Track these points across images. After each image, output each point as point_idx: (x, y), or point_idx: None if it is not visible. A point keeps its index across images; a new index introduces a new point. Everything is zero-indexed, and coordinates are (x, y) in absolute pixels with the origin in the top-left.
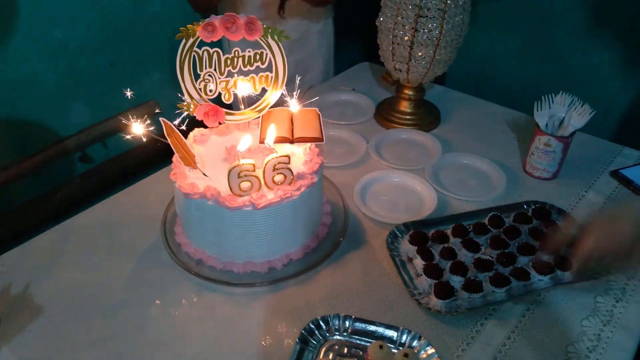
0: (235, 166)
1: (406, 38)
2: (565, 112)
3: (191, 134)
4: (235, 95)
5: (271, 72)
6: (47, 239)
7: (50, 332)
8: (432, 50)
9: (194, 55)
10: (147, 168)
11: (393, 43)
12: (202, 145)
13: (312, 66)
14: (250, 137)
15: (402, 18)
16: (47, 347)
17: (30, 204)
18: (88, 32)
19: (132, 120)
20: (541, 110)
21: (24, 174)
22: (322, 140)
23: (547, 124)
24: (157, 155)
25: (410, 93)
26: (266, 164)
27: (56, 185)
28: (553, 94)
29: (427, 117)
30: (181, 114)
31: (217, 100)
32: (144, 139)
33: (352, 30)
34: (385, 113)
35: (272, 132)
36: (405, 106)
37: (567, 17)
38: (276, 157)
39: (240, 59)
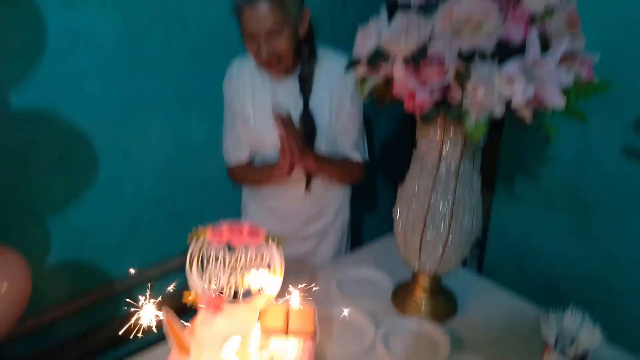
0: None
1: (415, 234)
2: (576, 331)
3: (199, 317)
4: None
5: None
6: None
7: None
8: (441, 247)
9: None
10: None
11: (405, 235)
12: (208, 327)
13: (325, 240)
14: (239, 339)
15: (413, 215)
16: None
17: (70, 341)
18: (154, 187)
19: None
20: (550, 324)
21: (70, 313)
22: (315, 336)
23: (557, 339)
24: None
25: (425, 283)
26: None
27: (98, 324)
28: (563, 308)
29: (442, 306)
30: None
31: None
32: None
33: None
34: (401, 297)
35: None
36: (419, 294)
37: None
38: (271, 352)
39: (242, 259)
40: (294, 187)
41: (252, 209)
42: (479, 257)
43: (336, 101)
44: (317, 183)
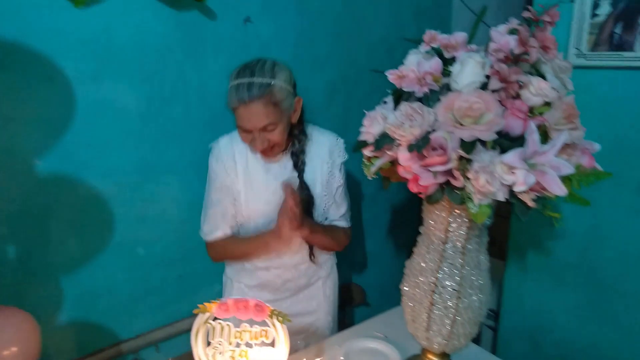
0: None
1: (422, 309)
2: None
3: None
4: None
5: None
6: None
7: None
8: (450, 325)
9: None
10: None
11: (413, 310)
12: None
13: (317, 315)
14: None
15: (420, 291)
16: None
17: None
18: (166, 249)
19: None
20: None
21: None
22: None
23: None
24: None
25: (434, 358)
26: None
27: None
28: None
29: None
30: None
31: None
32: None
33: None
34: None
35: None
36: None
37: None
38: None
39: (247, 333)
40: (287, 257)
41: (239, 284)
42: (494, 329)
43: (327, 173)
44: (307, 251)
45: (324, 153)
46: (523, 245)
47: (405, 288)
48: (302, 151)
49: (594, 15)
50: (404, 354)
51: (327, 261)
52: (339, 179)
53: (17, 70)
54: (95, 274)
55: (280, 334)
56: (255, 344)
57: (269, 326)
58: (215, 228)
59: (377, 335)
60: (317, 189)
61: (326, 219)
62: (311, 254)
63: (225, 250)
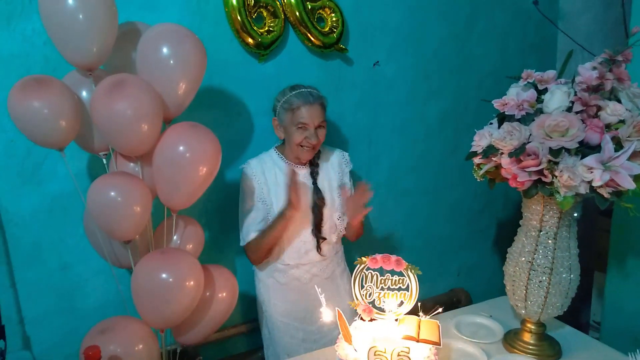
0: (372, 347)
1: (521, 283)
2: None
3: (353, 324)
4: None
5: (407, 291)
6: None
7: None
8: (543, 296)
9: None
10: None
11: (513, 285)
12: (360, 330)
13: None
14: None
15: (519, 269)
16: None
17: None
18: None
19: None
20: None
21: None
22: (440, 344)
23: None
24: None
25: (532, 327)
26: (393, 350)
27: None
28: None
29: (548, 350)
30: None
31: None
32: None
33: None
34: (510, 340)
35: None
36: (527, 337)
37: None
38: (401, 348)
39: (389, 280)
40: (309, 255)
41: (273, 281)
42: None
43: (337, 182)
44: (326, 248)
45: (335, 164)
46: (623, 254)
47: (508, 268)
48: (317, 164)
49: None
50: (505, 329)
51: (337, 254)
52: (348, 184)
53: (219, 108)
54: None
55: (412, 281)
56: (394, 288)
57: (404, 276)
58: (249, 232)
59: (483, 315)
60: (329, 194)
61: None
62: (318, 247)
63: (258, 244)
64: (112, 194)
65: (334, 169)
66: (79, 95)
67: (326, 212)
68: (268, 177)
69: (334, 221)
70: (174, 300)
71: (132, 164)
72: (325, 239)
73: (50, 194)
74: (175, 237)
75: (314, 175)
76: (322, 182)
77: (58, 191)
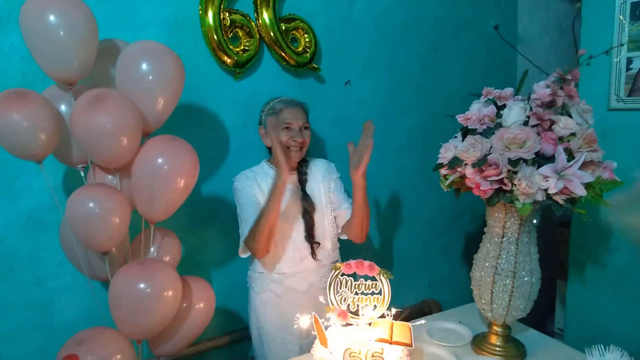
0: (347, 349)
1: (487, 287)
2: None
3: (330, 329)
4: (357, 306)
5: (380, 295)
6: None
7: None
8: (508, 299)
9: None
10: None
11: (480, 289)
12: (336, 334)
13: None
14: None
15: (485, 274)
16: None
17: None
18: None
19: None
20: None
21: None
22: (412, 346)
23: None
24: None
25: (498, 329)
26: (367, 352)
27: None
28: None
29: (513, 351)
30: None
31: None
32: None
33: None
34: (478, 343)
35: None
36: (494, 339)
37: None
38: (375, 349)
39: (363, 285)
40: (305, 262)
41: (269, 294)
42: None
43: (325, 188)
44: (322, 254)
45: (323, 172)
46: (582, 263)
47: (474, 273)
48: (305, 172)
49: (628, 69)
50: (474, 333)
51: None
52: (339, 188)
53: (196, 123)
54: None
55: (385, 285)
56: (367, 293)
57: (377, 280)
58: (247, 225)
59: (452, 320)
60: (315, 199)
61: (335, 217)
62: (313, 253)
63: (257, 226)
64: (91, 204)
65: (322, 175)
66: (58, 109)
67: (317, 217)
68: (262, 185)
69: (326, 225)
70: (152, 310)
71: (110, 176)
72: (319, 243)
73: (26, 208)
74: (152, 249)
75: (302, 182)
76: (310, 188)
77: (33, 205)
